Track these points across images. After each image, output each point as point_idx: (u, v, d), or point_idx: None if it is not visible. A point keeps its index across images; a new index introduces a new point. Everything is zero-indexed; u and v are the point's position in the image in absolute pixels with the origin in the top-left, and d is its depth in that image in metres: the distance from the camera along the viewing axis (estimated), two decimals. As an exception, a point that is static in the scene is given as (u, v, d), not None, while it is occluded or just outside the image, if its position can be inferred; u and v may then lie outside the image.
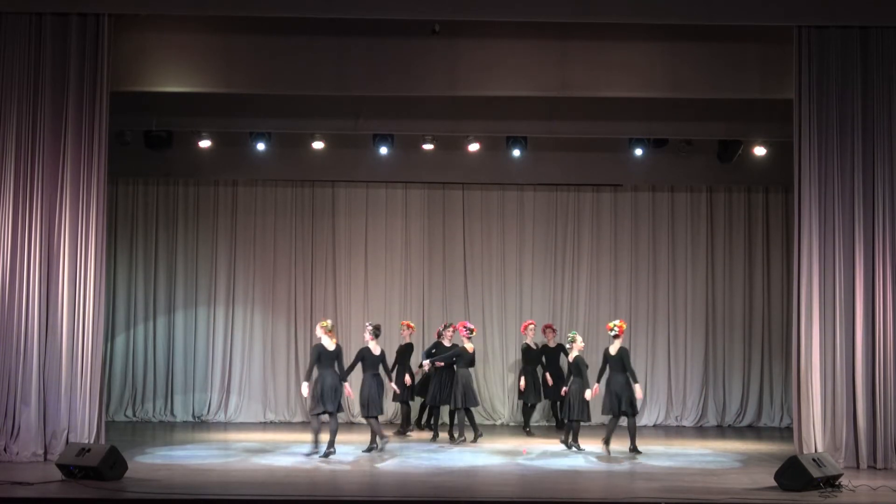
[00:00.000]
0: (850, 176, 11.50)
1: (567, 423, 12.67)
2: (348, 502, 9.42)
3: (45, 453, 11.06)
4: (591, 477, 10.71)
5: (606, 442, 12.25)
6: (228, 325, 15.66)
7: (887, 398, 11.29)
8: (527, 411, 14.51)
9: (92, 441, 11.07)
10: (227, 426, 14.97)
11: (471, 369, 13.40)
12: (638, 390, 12.38)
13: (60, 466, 9.94)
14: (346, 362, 12.21)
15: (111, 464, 9.85)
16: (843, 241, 11.45)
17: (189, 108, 13.45)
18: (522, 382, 14.13)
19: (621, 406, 12.22)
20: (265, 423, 15.04)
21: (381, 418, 12.76)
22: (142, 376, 15.59)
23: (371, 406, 12.05)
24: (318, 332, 11.90)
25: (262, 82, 12.40)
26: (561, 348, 14.45)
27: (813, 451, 11.04)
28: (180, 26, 12.10)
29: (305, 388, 11.96)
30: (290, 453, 12.06)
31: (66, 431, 11.13)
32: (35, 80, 11.37)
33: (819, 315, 11.37)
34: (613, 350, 12.49)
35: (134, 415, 15.43)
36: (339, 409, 11.88)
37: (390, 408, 14.71)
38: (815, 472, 9.64)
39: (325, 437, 11.79)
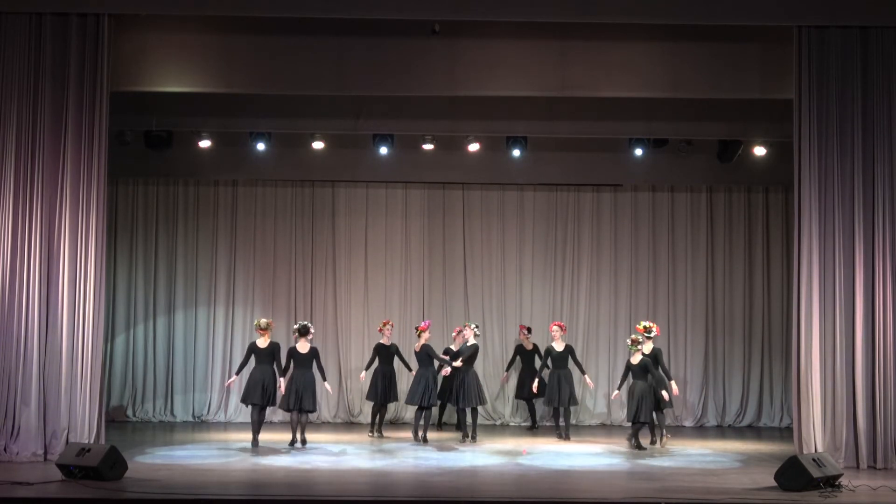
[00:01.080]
0: (850, 176, 11.49)
1: (634, 424, 12.83)
2: (348, 502, 9.42)
3: (45, 453, 11.06)
4: (591, 477, 10.71)
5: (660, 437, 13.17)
6: (228, 325, 15.67)
7: (887, 398, 11.29)
8: (555, 414, 14.19)
9: (92, 441, 11.07)
10: (227, 426, 14.98)
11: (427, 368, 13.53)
12: (674, 387, 13.31)
13: (60, 466, 9.93)
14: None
15: (111, 464, 9.85)
16: (843, 241, 11.45)
17: (189, 108, 13.46)
18: (535, 385, 14.06)
19: (659, 404, 13.05)
20: (265, 423, 14.97)
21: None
22: (142, 376, 15.60)
23: (304, 401, 12.62)
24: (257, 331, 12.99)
25: (262, 82, 12.39)
26: (537, 350, 14.74)
27: (813, 451, 11.04)
28: (180, 26, 12.09)
29: (230, 381, 13.51)
30: (291, 453, 12.08)
31: (66, 431, 11.14)
32: (35, 80, 11.37)
33: (819, 315, 11.37)
34: (647, 349, 13.17)
35: (134, 415, 15.44)
36: (269, 403, 12.75)
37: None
38: (815, 472, 9.64)
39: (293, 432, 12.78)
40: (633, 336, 13.20)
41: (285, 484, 10.06)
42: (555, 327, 13.95)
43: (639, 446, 12.67)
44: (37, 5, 11.40)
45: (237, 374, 13.12)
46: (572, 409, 14.03)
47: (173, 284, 15.70)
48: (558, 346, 13.78)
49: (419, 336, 13.41)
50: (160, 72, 12.20)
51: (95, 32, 11.42)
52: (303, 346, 12.84)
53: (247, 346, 13.23)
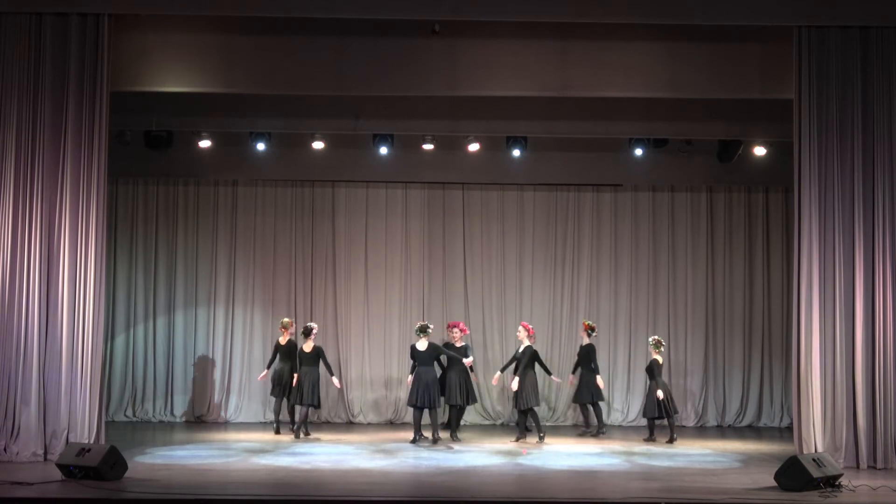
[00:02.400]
0: (850, 176, 11.49)
1: (669, 421, 13.46)
2: (348, 502, 9.42)
3: (45, 453, 11.07)
4: (591, 477, 10.70)
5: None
6: (228, 325, 15.68)
7: (887, 398, 11.29)
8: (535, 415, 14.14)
9: (92, 441, 11.07)
10: (227, 426, 14.98)
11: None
12: (600, 381, 14.19)
13: (60, 466, 9.94)
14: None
15: (111, 464, 9.85)
16: (843, 241, 11.45)
17: (189, 108, 13.45)
18: (515, 383, 14.00)
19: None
20: (265, 423, 15.01)
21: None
22: (142, 376, 15.60)
23: (305, 395, 13.44)
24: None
25: (262, 82, 12.39)
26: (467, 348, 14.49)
27: (813, 451, 11.04)
28: (180, 26, 12.09)
29: (261, 376, 14.34)
30: (291, 453, 12.10)
31: (66, 431, 11.14)
32: (35, 80, 11.37)
33: (819, 315, 11.37)
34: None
35: (134, 415, 15.44)
36: (285, 394, 13.71)
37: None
38: (815, 472, 9.64)
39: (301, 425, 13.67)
40: (656, 337, 13.76)
41: (285, 484, 10.06)
42: (520, 328, 13.72)
43: (671, 439, 13.30)
44: (37, 5, 11.40)
45: (267, 368, 14.12)
46: (536, 409, 13.58)
47: (173, 284, 15.70)
48: (521, 349, 13.47)
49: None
50: (160, 72, 12.20)
51: (95, 32, 11.42)
52: (307, 346, 13.57)
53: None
